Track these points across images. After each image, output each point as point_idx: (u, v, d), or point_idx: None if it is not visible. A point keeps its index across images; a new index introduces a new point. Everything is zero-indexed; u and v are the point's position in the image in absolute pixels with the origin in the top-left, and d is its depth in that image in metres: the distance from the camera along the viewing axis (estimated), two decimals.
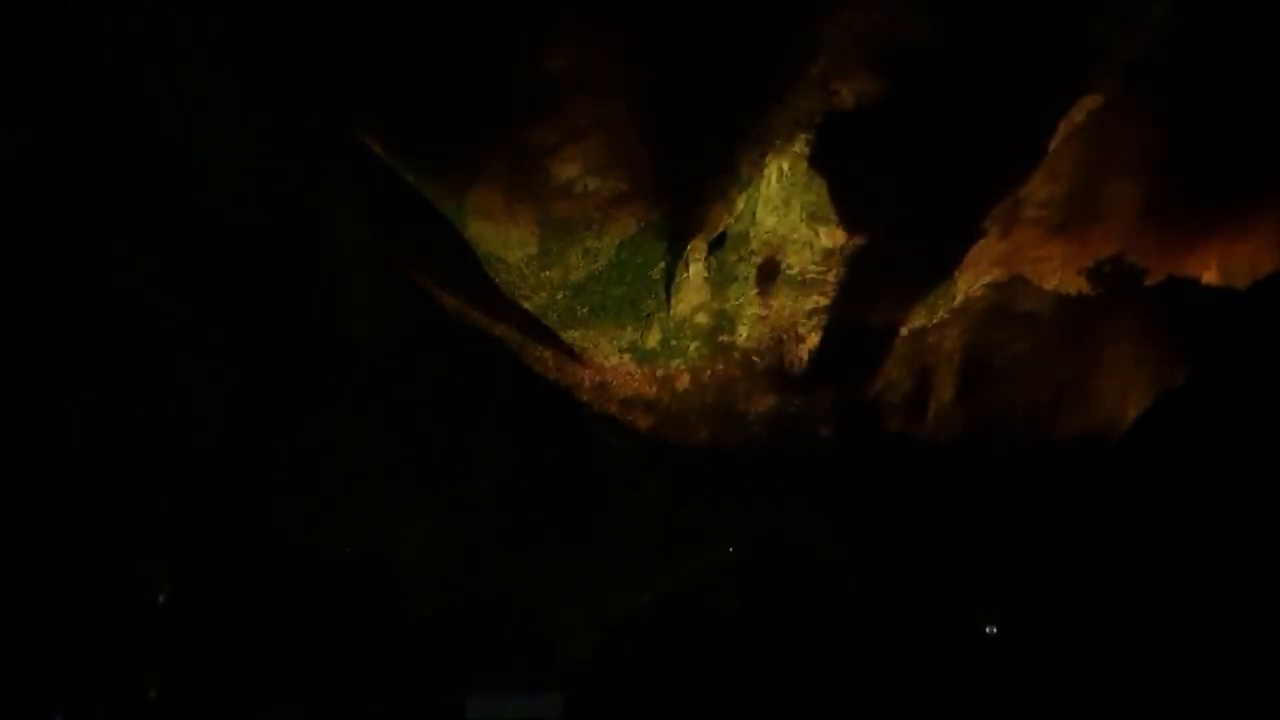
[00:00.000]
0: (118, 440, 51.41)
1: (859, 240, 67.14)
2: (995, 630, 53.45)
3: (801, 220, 67.87)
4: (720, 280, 69.26)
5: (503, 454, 61.68)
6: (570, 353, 68.76)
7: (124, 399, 53.29)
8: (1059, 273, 62.12)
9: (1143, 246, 60.38)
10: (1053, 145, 62.46)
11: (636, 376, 68.42)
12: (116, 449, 51.08)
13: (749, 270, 68.75)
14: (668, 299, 70.36)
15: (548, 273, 71.20)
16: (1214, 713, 44.64)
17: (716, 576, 58.24)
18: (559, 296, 70.85)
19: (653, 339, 69.61)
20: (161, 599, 48.97)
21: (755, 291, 68.43)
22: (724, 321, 69.05)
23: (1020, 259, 62.53)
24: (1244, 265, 58.82)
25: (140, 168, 57.94)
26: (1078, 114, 61.70)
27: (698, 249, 69.67)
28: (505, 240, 71.16)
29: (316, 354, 60.63)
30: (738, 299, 68.78)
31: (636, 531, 59.43)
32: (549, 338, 68.98)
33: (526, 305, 69.70)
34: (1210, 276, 59.63)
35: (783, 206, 68.31)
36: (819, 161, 67.52)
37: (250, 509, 52.40)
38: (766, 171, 68.50)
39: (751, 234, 69.06)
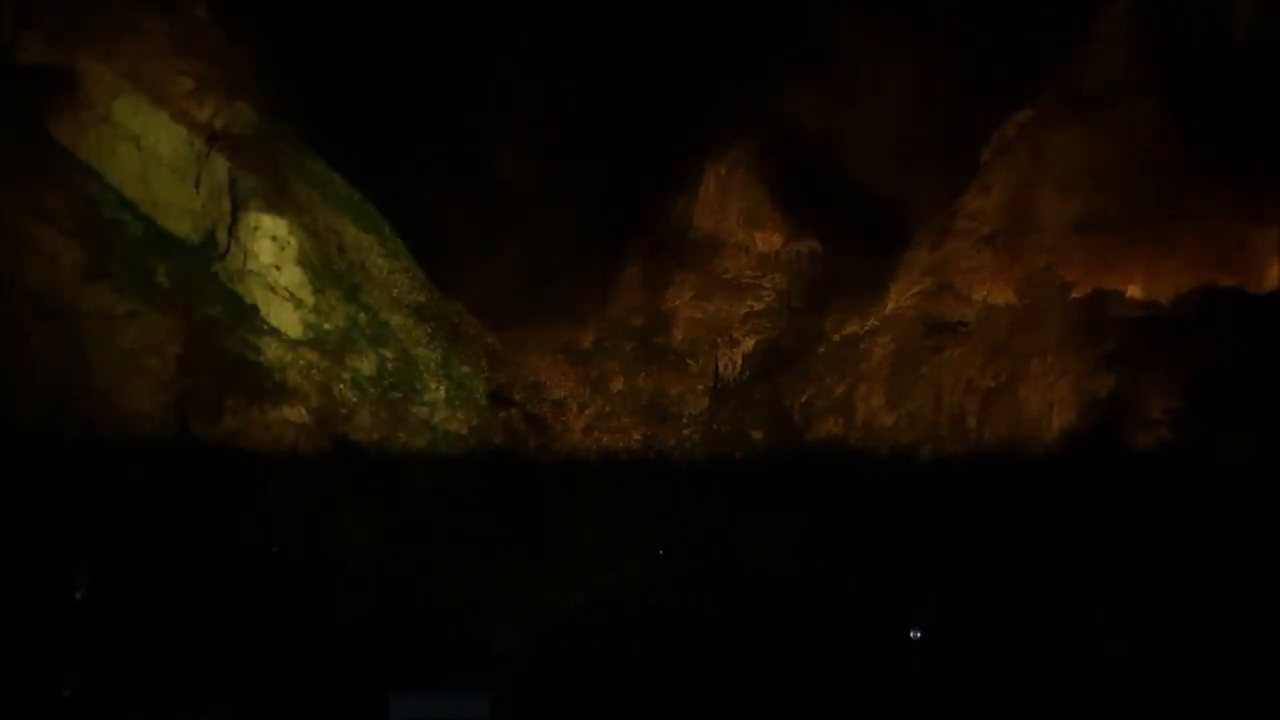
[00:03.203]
0: (45, 434, 50.65)
1: (794, 246, 67.83)
2: (919, 634, 54.16)
3: (738, 225, 68.42)
4: (657, 282, 69.55)
5: (435, 452, 61.47)
6: (503, 351, 68.58)
7: (56, 394, 52.56)
8: (987, 284, 63.11)
9: (1070, 260, 61.52)
10: (985, 158, 63.54)
11: (570, 377, 68.44)
12: (43, 443, 50.30)
13: (685, 273, 69.12)
14: (604, 300, 70.46)
15: (484, 269, 70.88)
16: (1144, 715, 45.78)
17: (648, 578, 58.44)
18: (495, 293, 70.55)
19: (588, 339, 69.68)
20: (80, 595, 48.23)
21: (691, 295, 68.81)
22: (659, 323, 69.31)
23: (950, 269, 63.49)
24: (1167, 281, 60.24)
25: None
26: (1010, 128, 62.85)
27: (635, 250, 69.96)
28: (442, 234, 70.73)
29: (249, 350, 60.06)
30: (674, 301, 69.11)
31: (568, 532, 59.43)
32: (482, 335, 68.72)
33: (461, 302, 69.33)
34: (1135, 291, 60.91)
35: (719, 211, 68.83)
36: (757, 167, 68.09)
37: (178, 505, 51.79)
38: (705, 176, 68.99)
39: (688, 237, 69.45)
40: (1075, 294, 61.54)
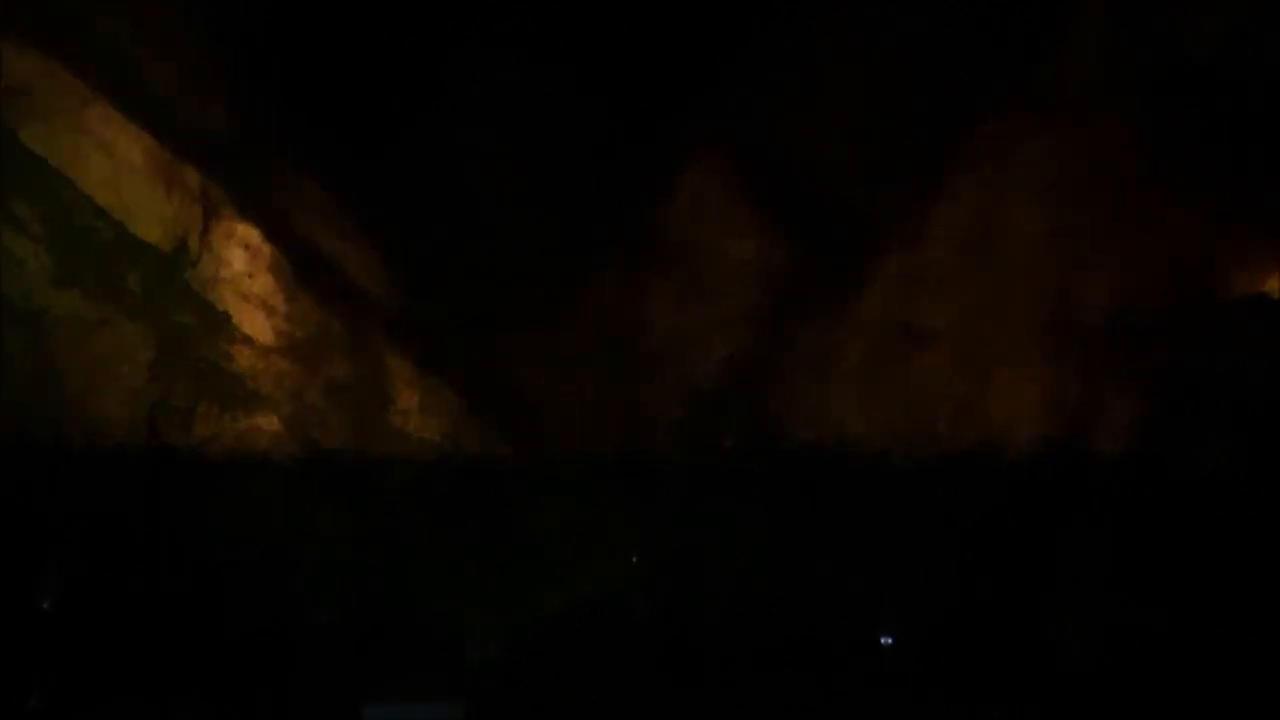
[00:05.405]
0: (13, 441, 50.47)
1: (768, 254, 68.08)
2: (890, 640, 54.46)
3: (713, 232, 68.60)
4: (632, 289, 69.63)
5: (409, 460, 61.38)
6: (478, 358, 68.50)
7: (25, 401, 52.39)
8: (958, 293, 63.66)
9: (1040, 269, 62.20)
10: (956, 168, 64.08)
11: (545, 384, 68.46)
12: (12, 450, 50.12)
13: (660, 281, 69.28)
14: (579, 307, 70.43)
15: (459, 276, 70.81)
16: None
17: (623, 583, 58.55)
18: (472, 296, 70.50)
19: (563, 347, 69.65)
20: (49, 604, 48.05)
21: (666, 302, 68.97)
22: (635, 330, 69.40)
23: (921, 277, 63.98)
24: (1136, 290, 61.00)
25: None
26: (980, 138, 63.44)
27: (610, 257, 69.97)
28: (416, 240, 70.62)
29: (222, 357, 59.94)
30: (649, 309, 69.23)
31: (543, 539, 59.47)
32: (456, 342, 68.62)
33: (435, 309, 69.21)
34: (1103, 300, 61.63)
35: (694, 218, 69.01)
36: (732, 176, 68.34)
37: (148, 512, 51.63)
38: (680, 183, 69.14)
39: (664, 244, 69.61)
40: (1045, 302, 62.20)
